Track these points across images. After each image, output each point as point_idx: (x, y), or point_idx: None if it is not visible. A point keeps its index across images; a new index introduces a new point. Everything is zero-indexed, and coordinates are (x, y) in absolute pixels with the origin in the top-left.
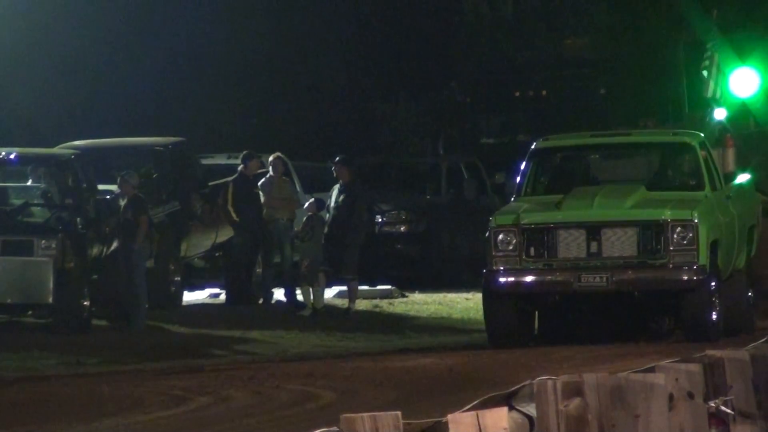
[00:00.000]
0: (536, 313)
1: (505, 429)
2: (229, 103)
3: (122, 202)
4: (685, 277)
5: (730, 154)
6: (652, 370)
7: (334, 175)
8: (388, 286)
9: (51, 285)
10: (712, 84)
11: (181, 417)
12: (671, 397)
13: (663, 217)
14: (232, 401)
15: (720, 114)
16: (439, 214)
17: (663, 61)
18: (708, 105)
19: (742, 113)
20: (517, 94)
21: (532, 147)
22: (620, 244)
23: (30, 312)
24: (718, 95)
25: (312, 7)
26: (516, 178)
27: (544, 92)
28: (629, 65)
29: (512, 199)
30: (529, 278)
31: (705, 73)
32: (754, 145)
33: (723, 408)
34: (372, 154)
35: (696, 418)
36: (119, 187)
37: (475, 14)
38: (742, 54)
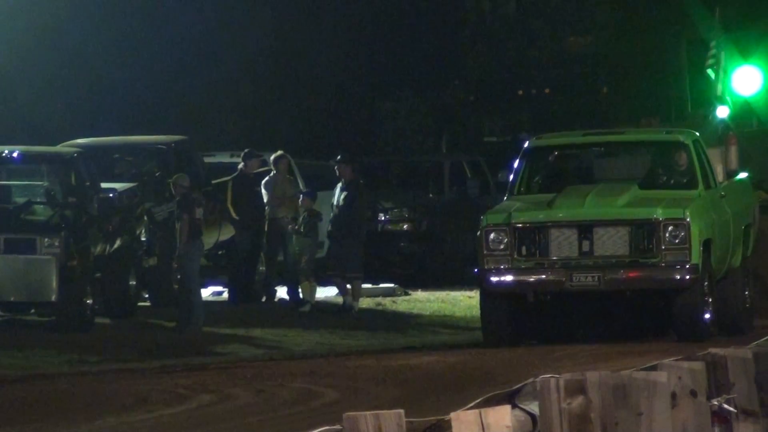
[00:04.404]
0: (534, 312)
1: (508, 427)
2: (232, 101)
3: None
4: (678, 276)
5: (733, 152)
6: (654, 368)
7: (337, 174)
8: (391, 285)
9: (54, 283)
10: (720, 83)
11: (184, 415)
12: (674, 396)
13: (655, 215)
14: (235, 399)
15: (723, 112)
16: (442, 213)
17: (666, 59)
18: (711, 103)
19: (745, 111)
20: (520, 92)
21: (525, 145)
22: (612, 243)
23: (33, 310)
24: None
25: (315, 5)
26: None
27: (547, 90)
28: (632, 63)
29: (505, 197)
30: (520, 278)
31: (711, 72)
32: (756, 144)
33: (726, 406)
34: (375, 153)
35: (699, 416)
36: (173, 190)
37: (478, 12)
38: (745, 52)
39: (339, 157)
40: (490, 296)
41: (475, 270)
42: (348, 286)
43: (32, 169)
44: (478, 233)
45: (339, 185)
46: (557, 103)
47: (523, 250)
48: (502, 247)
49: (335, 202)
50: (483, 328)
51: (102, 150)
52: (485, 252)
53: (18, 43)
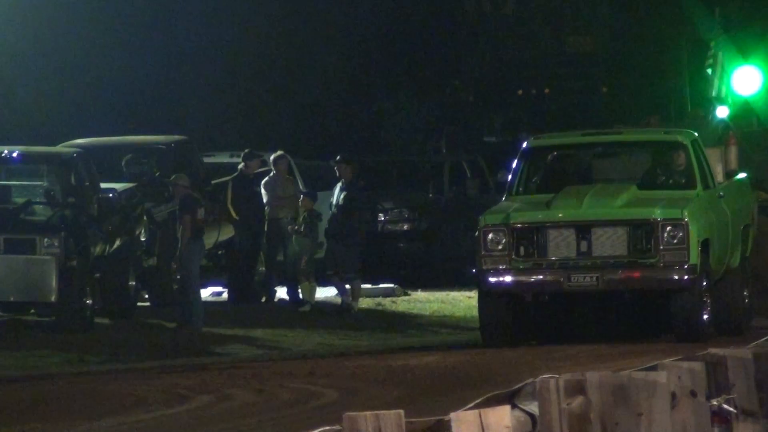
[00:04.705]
0: (532, 312)
1: (507, 427)
2: (231, 101)
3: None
4: (676, 277)
5: (733, 152)
6: (654, 368)
7: (337, 174)
8: (391, 285)
9: (54, 283)
10: (716, 83)
11: (183, 415)
12: (674, 396)
13: (653, 216)
14: (235, 400)
15: (723, 112)
16: (441, 213)
17: (665, 59)
18: (711, 103)
19: (744, 111)
20: (520, 92)
21: (523, 146)
22: (610, 243)
23: (32, 310)
24: (723, 94)
25: (316, 6)
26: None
27: (546, 90)
28: (632, 63)
29: (503, 198)
30: (518, 278)
31: (710, 71)
32: (756, 144)
33: (725, 406)
34: (375, 153)
35: (699, 416)
36: (172, 190)
37: (478, 13)
38: (744, 52)
39: (339, 157)
40: (488, 297)
41: (473, 270)
42: (347, 286)
43: (32, 169)
44: (476, 233)
45: (338, 185)
46: (557, 103)
47: (521, 250)
48: (500, 247)
49: (334, 202)
50: (481, 329)
51: (102, 150)
52: (483, 252)
53: (18, 44)
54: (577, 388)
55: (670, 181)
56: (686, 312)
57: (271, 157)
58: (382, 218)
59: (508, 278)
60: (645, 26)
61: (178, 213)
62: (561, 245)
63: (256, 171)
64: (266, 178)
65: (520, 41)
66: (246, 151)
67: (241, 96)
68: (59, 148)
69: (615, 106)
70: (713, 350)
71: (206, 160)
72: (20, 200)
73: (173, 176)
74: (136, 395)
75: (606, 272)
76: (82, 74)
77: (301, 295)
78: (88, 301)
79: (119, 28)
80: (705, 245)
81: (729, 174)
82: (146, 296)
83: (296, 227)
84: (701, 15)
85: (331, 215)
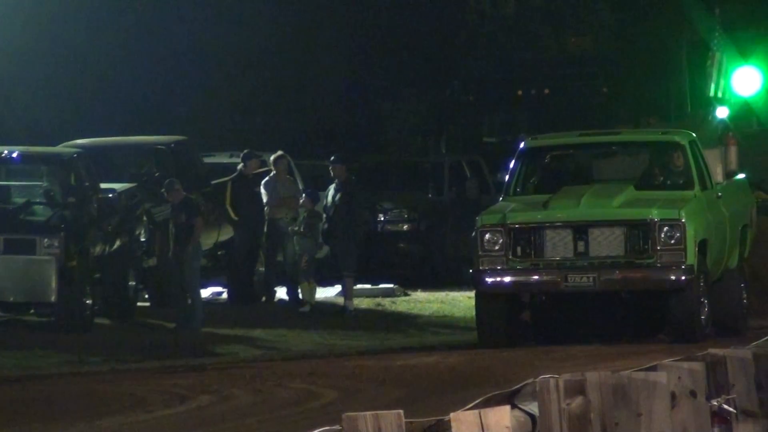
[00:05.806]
0: (530, 312)
1: (507, 428)
2: (231, 101)
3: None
4: (673, 277)
5: (733, 152)
6: (654, 368)
7: (331, 174)
8: (391, 285)
9: (53, 283)
10: (716, 83)
11: (183, 415)
12: (674, 396)
13: (650, 216)
14: (234, 400)
15: (722, 112)
16: (441, 213)
17: (666, 59)
18: (710, 104)
19: (744, 112)
20: (520, 92)
21: (521, 146)
22: (607, 243)
23: (32, 310)
24: (723, 94)
25: (315, 5)
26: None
27: (546, 91)
28: (632, 64)
29: (500, 198)
30: (515, 278)
31: (710, 72)
32: (756, 144)
33: (725, 406)
34: (375, 153)
35: (698, 416)
36: (166, 195)
37: (478, 13)
38: (744, 53)
39: (333, 157)
40: (486, 297)
41: (470, 270)
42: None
43: (32, 169)
44: (474, 234)
45: (332, 186)
46: (557, 103)
47: (519, 250)
48: (497, 248)
49: (328, 203)
50: (478, 329)
51: (102, 150)
52: (480, 253)
53: (18, 43)
54: (577, 388)
55: (668, 182)
56: (684, 312)
57: (271, 157)
58: (382, 218)
59: (505, 278)
60: (645, 26)
61: (185, 217)
62: (558, 245)
63: (255, 171)
64: (266, 178)
65: (520, 42)
66: (246, 151)
67: (241, 96)
68: (59, 148)
69: (615, 106)
70: (713, 350)
71: (206, 160)
72: (20, 200)
73: (166, 182)
74: (135, 395)
75: (603, 272)
76: (82, 74)
77: (301, 296)
78: (88, 301)
79: (119, 27)
80: (702, 246)
81: (729, 174)
82: (146, 296)
83: (296, 227)
84: (701, 15)
85: (327, 217)
